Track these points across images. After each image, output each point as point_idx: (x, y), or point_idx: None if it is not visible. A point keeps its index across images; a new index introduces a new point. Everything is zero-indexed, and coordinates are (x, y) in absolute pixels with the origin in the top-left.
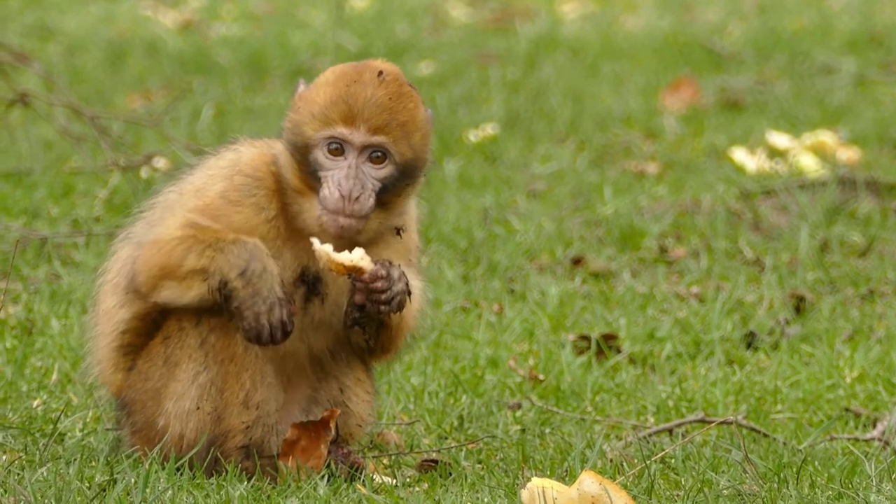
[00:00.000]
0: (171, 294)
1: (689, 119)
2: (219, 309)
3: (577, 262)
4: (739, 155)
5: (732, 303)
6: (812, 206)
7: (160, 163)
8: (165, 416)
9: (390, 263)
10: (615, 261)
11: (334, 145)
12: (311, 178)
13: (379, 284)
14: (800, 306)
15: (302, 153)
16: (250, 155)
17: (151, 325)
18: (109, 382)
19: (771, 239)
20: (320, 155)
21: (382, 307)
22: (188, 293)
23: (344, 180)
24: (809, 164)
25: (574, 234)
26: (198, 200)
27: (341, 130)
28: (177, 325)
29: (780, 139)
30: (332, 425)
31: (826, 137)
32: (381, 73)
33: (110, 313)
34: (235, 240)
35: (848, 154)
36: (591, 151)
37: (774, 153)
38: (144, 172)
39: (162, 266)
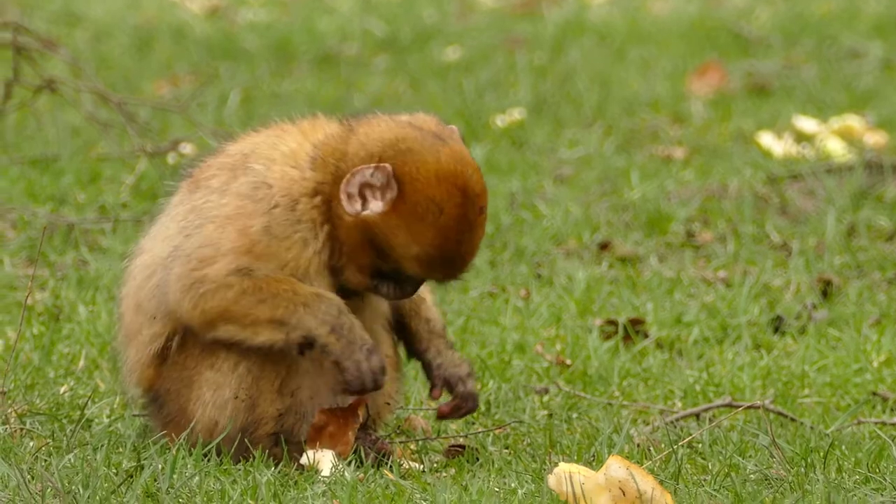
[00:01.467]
0: (231, 334)
1: (717, 104)
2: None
3: (604, 246)
4: (766, 139)
5: (759, 287)
6: (839, 191)
7: (187, 149)
8: (202, 405)
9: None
10: (642, 245)
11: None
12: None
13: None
14: (827, 290)
15: (381, 257)
16: (284, 181)
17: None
18: (142, 379)
19: (798, 223)
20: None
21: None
22: (256, 338)
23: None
24: (836, 148)
25: (601, 219)
26: (242, 238)
27: (437, 275)
28: None
29: (807, 123)
30: (361, 412)
31: (853, 122)
32: (481, 209)
33: (143, 320)
34: (318, 296)
35: (875, 138)
36: (618, 136)
37: (801, 137)
38: (171, 158)
39: (223, 311)
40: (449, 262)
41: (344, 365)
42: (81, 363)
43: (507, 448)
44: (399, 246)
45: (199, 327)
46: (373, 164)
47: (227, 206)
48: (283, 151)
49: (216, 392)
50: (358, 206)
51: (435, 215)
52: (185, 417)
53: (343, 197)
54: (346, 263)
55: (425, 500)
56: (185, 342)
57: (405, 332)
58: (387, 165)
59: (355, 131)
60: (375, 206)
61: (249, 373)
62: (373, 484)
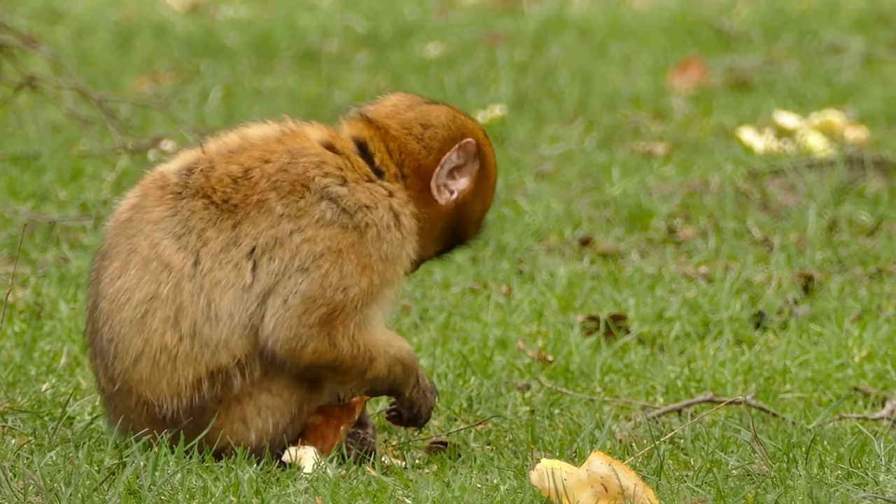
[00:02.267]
0: (325, 377)
1: (698, 99)
2: None
3: (585, 242)
4: (747, 135)
5: (741, 283)
6: (820, 186)
7: (168, 145)
8: (246, 424)
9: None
10: (623, 241)
11: None
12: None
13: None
14: (808, 286)
15: (457, 232)
16: (378, 197)
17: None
18: (170, 394)
19: (779, 218)
20: None
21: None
22: (345, 386)
23: None
24: (817, 143)
25: (582, 215)
26: (366, 274)
27: (482, 232)
28: None
29: (788, 119)
30: (359, 411)
31: (834, 117)
32: None
33: (197, 346)
34: (404, 349)
35: (856, 133)
36: (600, 132)
37: (782, 133)
38: (152, 155)
39: (334, 367)
40: (487, 216)
41: (421, 411)
42: (63, 360)
43: (489, 444)
44: (476, 212)
45: (299, 370)
46: (456, 146)
47: (325, 238)
48: (339, 164)
49: (271, 415)
50: (447, 193)
51: (493, 172)
52: (228, 432)
53: (435, 190)
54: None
55: (407, 497)
56: (248, 366)
57: None
58: (471, 140)
59: (378, 126)
60: (462, 183)
61: (299, 399)
62: (355, 480)
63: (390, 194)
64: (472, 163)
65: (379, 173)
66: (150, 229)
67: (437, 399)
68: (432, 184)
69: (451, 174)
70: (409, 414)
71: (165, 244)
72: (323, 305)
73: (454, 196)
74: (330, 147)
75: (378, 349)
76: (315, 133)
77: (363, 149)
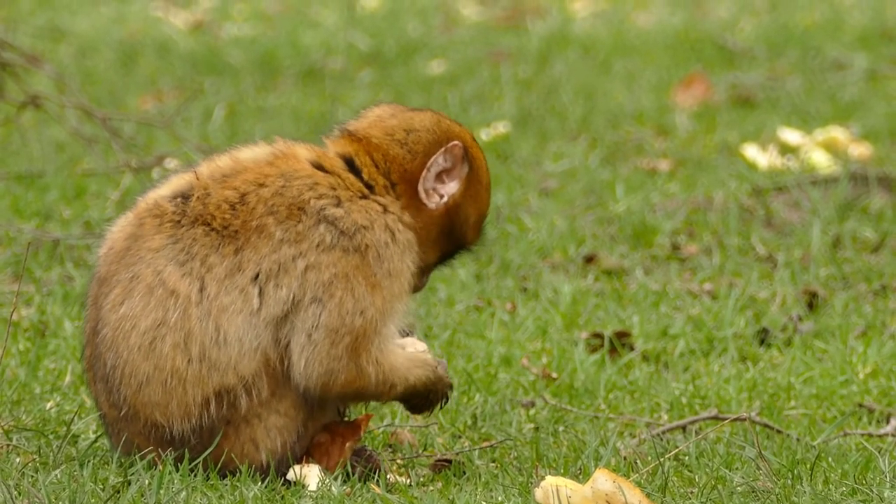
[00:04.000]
0: (346, 402)
1: (701, 116)
2: None
3: (589, 259)
4: (751, 151)
5: (745, 299)
6: (824, 202)
7: (172, 164)
8: (255, 445)
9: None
10: (628, 258)
11: None
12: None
13: None
14: (812, 302)
15: (453, 238)
16: (373, 215)
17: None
18: (179, 415)
19: (783, 235)
20: None
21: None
22: (374, 401)
23: None
24: (821, 160)
25: (586, 232)
26: (377, 293)
27: (482, 237)
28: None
29: (791, 135)
30: (364, 429)
31: (838, 133)
32: None
33: (205, 370)
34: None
35: (860, 150)
36: (603, 149)
37: (786, 149)
38: (156, 173)
39: (360, 394)
40: (486, 220)
41: (433, 406)
42: (68, 379)
43: (493, 461)
44: (471, 216)
45: (333, 397)
46: (442, 149)
47: (329, 264)
48: (332, 183)
49: (278, 435)
50: (436, 197)
51: (485, 175)
52: (237, 453)
53: (423, 195)
54: (418, 271)
55: None
56: (255, 386)
57: None
58: (457, 143)
59: (360, 137)
60: (451, 187)
61: (305, 417)
62: (360, 498)
63: (385, 209)
64: (461, 166)
65: (370, 187)
66: (151, 257)
67: (451, 391)
68: (419, 188)
69: (440, 178)
70: (414, 411)
71: (170, 271)
72: (347, 334)
73: (444, 200)
74: (319, 167)
75: (399, 375)
76: (305, 153)
77: (351, 164)
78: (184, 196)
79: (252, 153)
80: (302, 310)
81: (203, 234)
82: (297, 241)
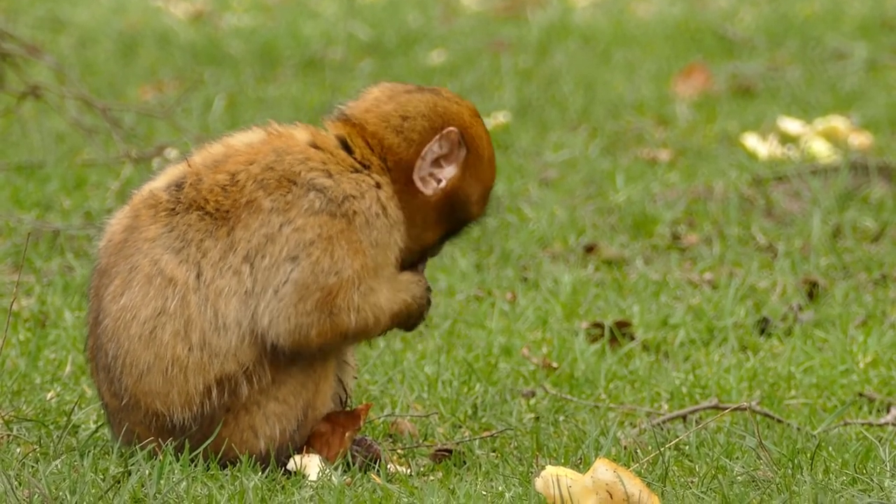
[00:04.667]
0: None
1: (701, 105)
2: None
3: (589, 249)
4: (751, 141)
5: (745, 289)
6: (824, 192)
7: (172, 154)
8: (254, 432)
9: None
10: (628, 248)
11: None
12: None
13: None
14: (813, 292)
15: (454, 217)
16: (365, 187)
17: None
18: (180, 403)
19: (783, 225)
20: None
21: None
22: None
23: None
24: (821, 149)
25: (587, 222)
26: (358, 257)
27: (487, 211)
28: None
29: (791, 125)
30: (364, 419)
31: (838, 123)
32: None
33: (206, 357)
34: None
35: (860, 139)
36: (604, 139)
37: (786, 139)
38: (156, 164)
39: (342, 340)
40: (492, 191)
41: (419, 321)
42: (68, 369)
43: (493, 451)
44: (473, 193)
45: (313, 349)
46: (437, 137)
47: (314, 226)
48: (324, 159)
49: (277, 422)
50: (434, 183)
51: (487, 150)
52: (237, 441)
53: (419, 182)
54: (410, 246)
55: None
56: (255, 373)
57: None
58: (453, 129)
59: (355, 122)
60: (449, 171)
61: (304, 405)
62: (360, 488)
63: (377, 185)
64: (458, 150)
65: (364, 166)
66: (148, 247)
67: (429, 302)
68: (415, 176)
69: (437, 163)
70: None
71: (167, 259)
72: (317, 290)
73: (442, 185)
74: (313, 145)
75: (381, 310)
76: (299, 133)
77: (345, 145)
78: (177, 185)
79: (245, 137)
80: (276, 269)
81: (197, 220)
82: (285, 209)
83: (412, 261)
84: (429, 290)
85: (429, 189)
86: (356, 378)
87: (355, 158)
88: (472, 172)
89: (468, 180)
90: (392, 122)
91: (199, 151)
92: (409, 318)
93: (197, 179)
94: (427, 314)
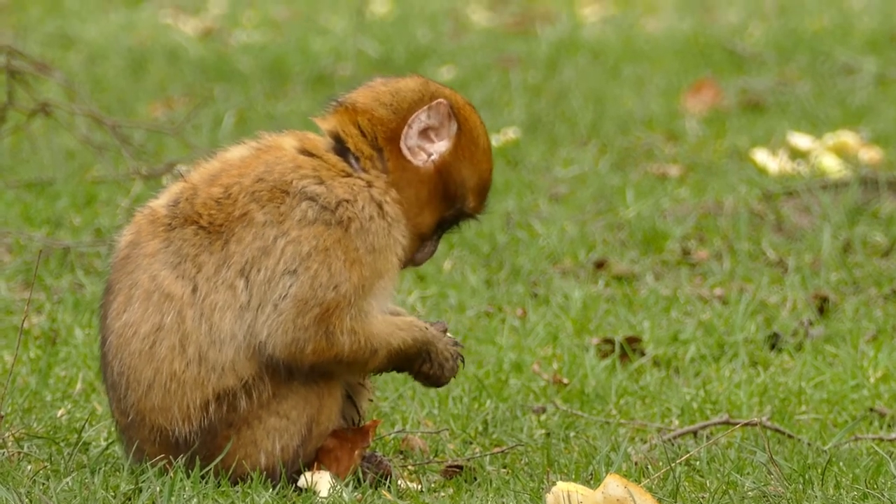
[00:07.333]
0: (332, 372)
1: (711, 121)
2: None
3: (599, 265)
4: (761, 156)
5: (756, 304)
6: (834, 207)
7: (182, 171)
8: (256, 447)
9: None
10: (638, 264)
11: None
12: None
13: None
14: (823, 307)
15: (449, 201)
16: (357, 189)
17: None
18: (181, 418)
19: (794, 240)
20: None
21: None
22: (352, 376)
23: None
24: (831, 164)
25: (597, 238)
26: (355, 268)
27: (485, 204)
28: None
29: (801, 140)
30: (372, 435)
31: (848, 138)
32: None
33: (204, 372)
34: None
35: (870, 154)
36: (613, 154)
37: (796, 154)
38: (166, 181)
39: (337, 362)
40: (490, 186)
41: (435, 379)
42: (78, 386)
43: (504, 467)
44: (468, 178)
45: (307, 366)
46: (425, 107)
47: (310, 237)
48: (314, 165)
49: (279, 437)
50: (423, 155)
51: (483, 139)
52: (241, 457)
53: (406, 152)
54: (411, 242)
55: None
56: (255, 388)
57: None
58: (442, 100)
59: (347, 105)
60: (441, 145)
61: (308, 420)
62: None
63: (369, 185)
64: (449, 124)
65: (357, 160)
66: (147, 263)
67: (461, 362)
68: (401, 145)
69: (426, 136)
70: (427, 382)
71: (164, 275)
72: (315, 306)
73: (433, 157)
74: (304, 152)
75: (380, 340)
76: (289, 142)
77: (337, 140)
78: (176, 202)
79: (239, 151)
80: (274, 283)
81: (192, 234)
82: (279, 221)
83: (409, 258)
84: (457, 344)
85: (418, 160)
86: (371, 400)
87: (348, 150)
88: (465, 154)
89: (462, 160)
90: (382, 98)
91: (197, 168)
92: (411, 361)
93: (192, 194)
94: (458, 369)
